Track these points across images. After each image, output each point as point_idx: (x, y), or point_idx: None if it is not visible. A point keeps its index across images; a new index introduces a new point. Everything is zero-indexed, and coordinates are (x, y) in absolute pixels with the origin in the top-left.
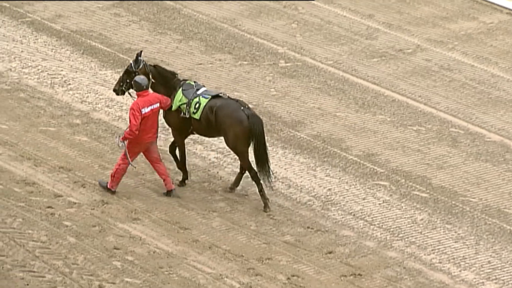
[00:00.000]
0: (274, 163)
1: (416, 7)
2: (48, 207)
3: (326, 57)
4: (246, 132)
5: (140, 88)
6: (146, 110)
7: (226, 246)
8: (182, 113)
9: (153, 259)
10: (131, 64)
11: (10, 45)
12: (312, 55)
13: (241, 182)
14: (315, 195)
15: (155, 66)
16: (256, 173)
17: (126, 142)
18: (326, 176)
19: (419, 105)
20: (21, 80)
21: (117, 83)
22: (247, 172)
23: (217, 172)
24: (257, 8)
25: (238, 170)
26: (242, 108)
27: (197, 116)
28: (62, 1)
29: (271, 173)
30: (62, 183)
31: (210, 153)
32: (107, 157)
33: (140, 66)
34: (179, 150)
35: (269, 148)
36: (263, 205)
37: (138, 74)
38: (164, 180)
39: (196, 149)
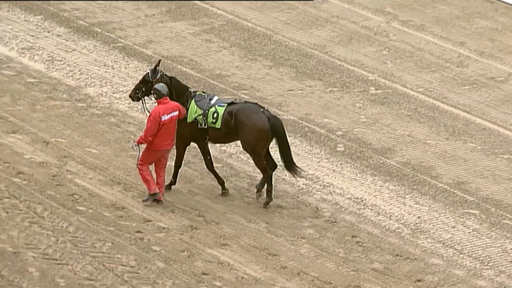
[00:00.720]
0: (363, 190)
1: (508, 35)
2: (137, 231)
3: (416, 84)
4: (267, 134)
5: (160, 96)
6: (165, 117)
7: (315, 273)
8: (199, 124)
9: (241, 285)
10: (148, 73)
11: (102, 70)
12: (402, 82)
13: (295, 194)
14: (404, 222)
15: (171, 78)
16: (272, 174)
17: (140, 146)
18: (416, 203)
19: (510, 134)
20: (112, 105)
21: (133, 90)
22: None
23: (306, 199)
24: (348, 35)
25: (327, 197)
26: (262, 110)
27: (217, 125)
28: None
29: (297, 168)
30: (151, 207)
31: (299, 180)
32: (196, 183)
33: (157, 77)
34: (178, 158)
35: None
36: (265, 202)
37: (153, 84)
38: (158, 188)
39: (285, 175)
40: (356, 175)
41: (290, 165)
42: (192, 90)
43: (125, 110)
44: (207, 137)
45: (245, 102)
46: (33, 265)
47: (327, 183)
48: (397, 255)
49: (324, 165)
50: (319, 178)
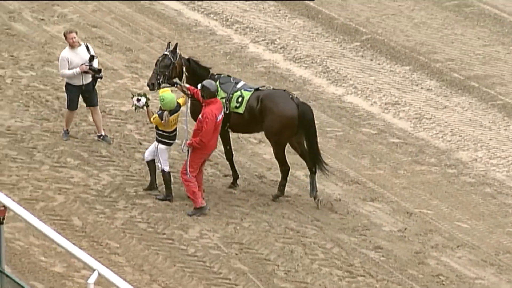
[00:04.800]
0: None
1: None
2: None
3: None
4: (295, 121)
5: (211, 95)
6: (219, 117)
7: None
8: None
9: None
10: (166, 55)
11: (477, 132)
12: None
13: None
14: None
15: (188, 60)
16: (289, 169)
17: (190, 149)
18: None
19: None
20: (487, 173)
21: (152, 77)
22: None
23: None
24: None
25: None
26: (290, 96)
27: (241, 110)
28: None
29: (322, 159)
30: None
31: None
32: None
33: (177, 58)
34: (225, 147)
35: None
36: (275, 195)
37: (175, 66)
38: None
39: None
40: None
41: (315, 157)
42: (215, 73)
43: (503, 179)
44: (227, 123)
45: (273, 89)
46: None
47: None
48: None
49: None
50: None
